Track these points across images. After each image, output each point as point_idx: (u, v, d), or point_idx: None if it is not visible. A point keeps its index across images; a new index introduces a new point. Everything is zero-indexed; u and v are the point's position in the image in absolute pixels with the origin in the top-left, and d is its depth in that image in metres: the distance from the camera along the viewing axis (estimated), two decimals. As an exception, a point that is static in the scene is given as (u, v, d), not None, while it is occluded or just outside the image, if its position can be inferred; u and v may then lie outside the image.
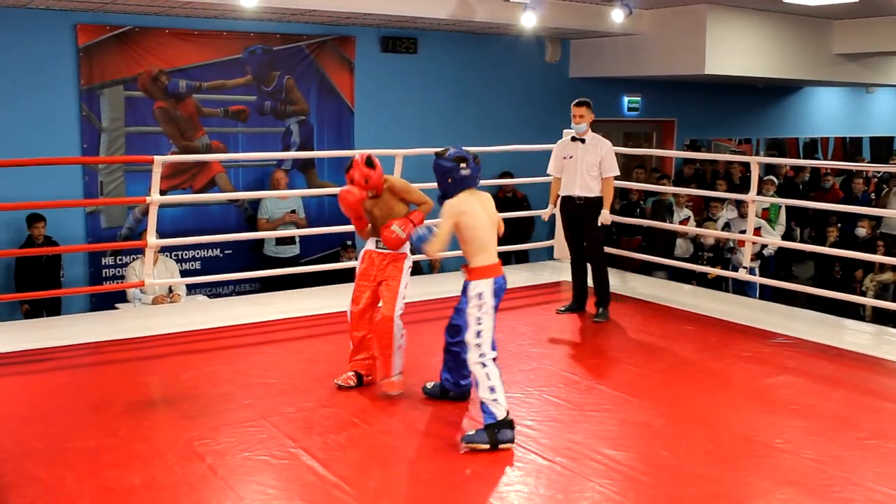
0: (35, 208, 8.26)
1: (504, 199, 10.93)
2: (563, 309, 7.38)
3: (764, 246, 9.81)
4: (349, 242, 9.70)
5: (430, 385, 5.22)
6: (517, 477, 4.21)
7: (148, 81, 9.40)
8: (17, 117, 8.75)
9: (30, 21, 8.73)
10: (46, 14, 8.80)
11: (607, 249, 8.44)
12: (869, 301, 8.66)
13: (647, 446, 4.61)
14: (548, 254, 9.43)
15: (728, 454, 4.48)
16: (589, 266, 7.29)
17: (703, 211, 11.39)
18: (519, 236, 10.24)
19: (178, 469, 4.20)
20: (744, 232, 8.57)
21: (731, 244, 10.12)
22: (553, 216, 7.78)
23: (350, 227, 9.55)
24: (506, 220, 9.54)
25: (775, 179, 12.07)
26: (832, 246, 9.91)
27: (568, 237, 7.38)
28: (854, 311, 8.85)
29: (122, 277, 9.04)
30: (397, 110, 10.92)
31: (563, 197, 7.25)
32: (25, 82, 8.79)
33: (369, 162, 5.30)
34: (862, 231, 10.47)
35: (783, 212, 10.87)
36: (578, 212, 7.15)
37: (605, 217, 7.08)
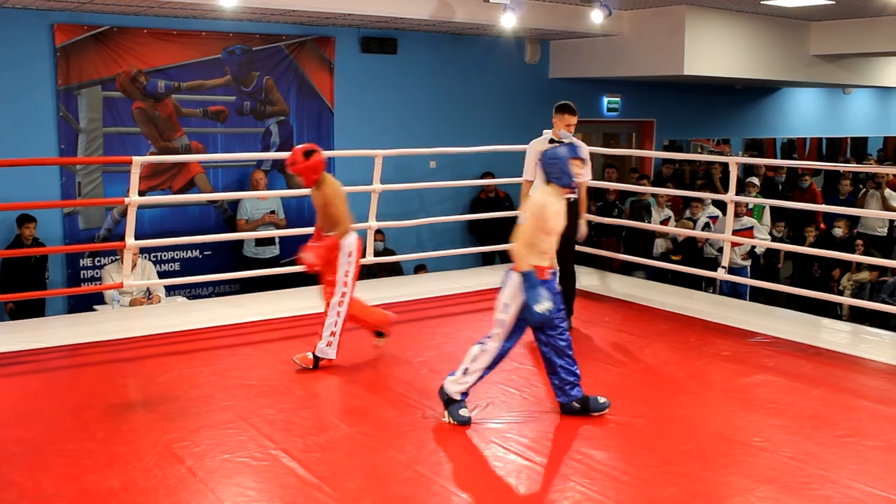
0: (10, 209, 8.19)
1: (487, 200, 10.97)
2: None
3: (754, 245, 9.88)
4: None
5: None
6: (498, 477, 4.21)
7: (126, 81, 9.35)
8: (-7, 117, 8.69)
9: (6, 20, 8.67)
10: (23, 13, 8.73)
11: (587, 249, 8.50)
12: (846, 300, 8.74)
13: (628, 445, 4.63)
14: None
15: (707, 453, 4.51)
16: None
17: (683, 211, 11.45)
18: (502, 236, 10.21)
19: (158, 471, 4.18)
20: (735, 232, 8.68)
21: (720, 244, 10.18)
22: None
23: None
24: (489, 221, 9.61)
25: (756, 181, 12.15)
26: (811, 246, 9.98)
27: None
28: (832, 311, 8.93)
29: (100, 279, 8.99)
30: (377, 111, 10.91)
31: None
32: (1, 82, 8.72)
33: (308, 153, 5.65)
34: (839, 231, 10.57)
35: (767, 212, 10.95)
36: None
37: (584, 231, 6.83)
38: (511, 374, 5.70)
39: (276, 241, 9.65)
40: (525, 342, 6.46)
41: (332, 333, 5.73)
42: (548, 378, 4.98)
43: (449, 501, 3.95)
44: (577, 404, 4.92)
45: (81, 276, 9.26)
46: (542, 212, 4.73)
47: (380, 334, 6.22)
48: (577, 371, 4.92)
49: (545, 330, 4.81)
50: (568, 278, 6.62)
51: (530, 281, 4.64)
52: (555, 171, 4.85)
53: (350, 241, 5.75)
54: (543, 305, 4.61)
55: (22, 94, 8.83)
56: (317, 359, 5.75)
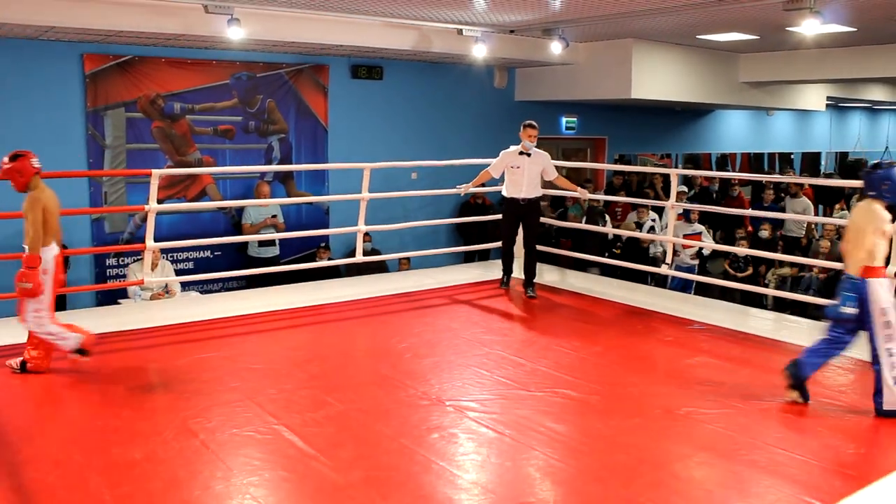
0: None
1: (474, 205, 11.04)
2: (501, 285, 7.92)
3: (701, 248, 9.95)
4: (323, 244, 9.65)
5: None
6: (472, 447, 4.21)
7: (146, 104, 9.27)
8: (30, 135, 8.56)
9: (42, 50, 8.57)
10: (57, 45, 8.64)
11: (549, 249, 8.58)
12: (771, 292, 8.80)
13: (584, 419, 4.64)
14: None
15: (652, 425, 4.54)
16: (522, 252, 7.79)
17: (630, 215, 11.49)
18: (485, 237, 10.21)
19: (175, 444, 4.16)
20: (686, 235, 8.77)
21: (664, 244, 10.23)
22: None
23: (324, 231, 9.59)
24: (475, 224, 9.64)
25: (685, 189, 12.25)
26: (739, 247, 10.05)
27: (506, 230, 7.82)
28: (758, 301, 8.99)
29: (124, 276, 8.92)
30: (366, 129, 10.87)
31: (508, 198, 7.67)
32: (38, 105, 8.63)
33: (15, 156, 5.08)
34: (764, 233, 10.66)
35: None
36: (521, 211, 7.62)
37: (586, 194, 7.88)
38: (483, 357, 5.70)
39: (277, 242, 9.60)
40: (493, 328, 6.49)
41: (52, 335, 5.15)
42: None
43: (429, 469, 3.94)
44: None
45: (107, 274, 9.18)
46: (880, 221, 4.63)
47: (81, 352, 5.31)
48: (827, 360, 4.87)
49: (835, 325, 4.75)
50: (530, 254, 7.67)
51: (855, 283, 4.62)
52: (887, 190, 4.66)
53: (46, 258, 5.09)
54: (850, 309, 4.61)
55: (55, 115, 8.74)
56: (23, 363, 5.21)
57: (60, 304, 8.21)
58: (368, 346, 6.11)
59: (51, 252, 5.16)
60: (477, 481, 3.84)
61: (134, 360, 5.60)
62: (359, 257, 8.09)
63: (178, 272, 9.08)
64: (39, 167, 5.13)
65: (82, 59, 8.82)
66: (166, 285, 8.06)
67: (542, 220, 8.37)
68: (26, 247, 5.04)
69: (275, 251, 9.63)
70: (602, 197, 10.80)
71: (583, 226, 10.16)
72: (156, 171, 6.87)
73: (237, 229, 9.76)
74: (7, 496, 3.62)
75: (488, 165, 7.84)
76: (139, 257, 8.17)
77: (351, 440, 4.28)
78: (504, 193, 7.72)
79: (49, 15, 7.47)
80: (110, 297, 8.47)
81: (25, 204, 5.04)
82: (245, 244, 9.60)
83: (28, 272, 5.00)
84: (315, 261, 9.13)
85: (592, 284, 8.26)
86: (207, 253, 9.73)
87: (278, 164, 10.21)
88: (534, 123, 7.53)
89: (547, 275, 8.39)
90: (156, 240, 7.03)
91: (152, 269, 7.51)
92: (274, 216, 9.62)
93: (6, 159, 5.06)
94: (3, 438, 4.24)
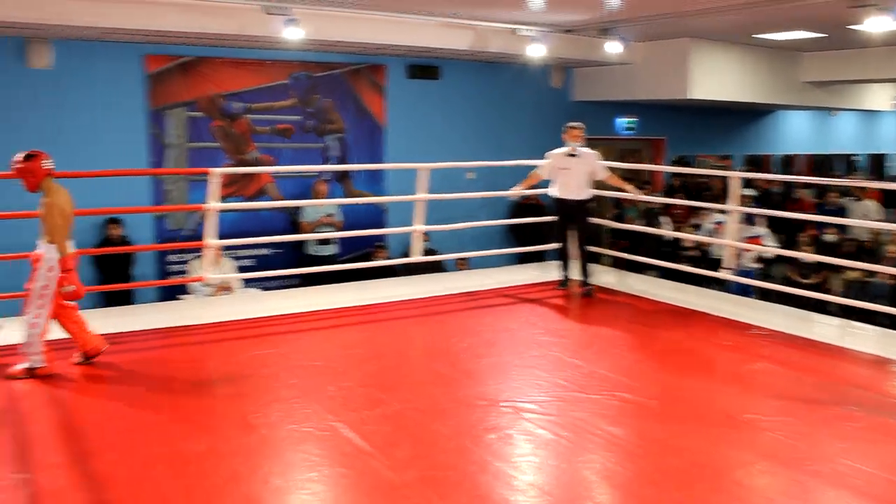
0: (112, 213, 8.34)
1: (528, 206, 10.98)
2: (559, 286, 7.89)
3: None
4: (380, 244, 9.72)
5: None
6: (529, 449, 4.21)
7: (207, 103, 9.45)
8: (95, 135, 8.83)
9: (105, 52, 8.81)
10: (120, 46, 8.87)
11: (605, 251, 8.54)
12: (836, 299, 8.59)
13: (642, 423, 4.60)
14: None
15: (712, 430, 4.47)
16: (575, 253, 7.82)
17: (689, 218, 11.34)
18: (539, 238, 10.14)
19: (236, 439, 4.23)
20: (747, 239, 8.62)
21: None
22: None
23: (380, 231, 9.65)
24: (528, 225, 9.61)
25: (750, 192, 11.99)
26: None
27: (559, 231, 7.84)
28: (821, 306, 8.77)
29: (185, 272, 9.09)
30: (422, 129, 10.93)
31: (557, 199, 7.71)
32: (101, 104, 8.88)
33: (29, 156, 5.06)
34: (830, 237, 10.42)
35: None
36: (571, 211, 7.65)
37: (638, 193, 8.00)
38: (540, 358, 5.69)
39: (335, 241, 9.70)
40: (551, 329, 6.47)
41: (31, 345, 5.06)
42: None
43: (486, 469, 3.95)
44: None
45: (169, 270, 9.38)
46: None
47: (87, 358, 5.38)
48: None
49: None
50: (585, 254, 7.75)
51: None
52: None
53: (50, 258, 5.04)
54: None
55: (118, 115, 8.97)
56: (30, 368, 5.11)
57: (124, 299, 8.44)
58: (425, 345, 6.14)
59: (56, 252, 5.09)
60: (534, 483, 3.84)
61: (194, 355, 5.71)
62: (415, 257, 8.13)
63: (239, 269, 9.23)
64: (51, 168, 5.11)
65: (144, 60, 9.04)
66: (226, 282, 8.19)
67: (598, 220, 8.34)
68: (50, 245, 5.04)
69: (333, 250, 9.74)
70: (658, 199, 10.65)
71: (639, 227, 10.05)
72: (215, 170, 6.97)
73: (296, 227, 9.89)
74: (77, 486, 3.73)
75: (538, 167, 7.88)
76: (200, 254, 8.33)
77: (407, 439, 4.31)
78: (554, 195, 7.75)
79: (113, 17, 7.68)
80: (171, 293, 8.65)
81: (42, 210, 5.06)
82: (304, 242, 9.72)
83: (67, 276, 5.05)
84: (371, 260, 9.21)
85: (650, 286, 8.16)
86: (267, 250, 9.88)
87: (335, 163, 10.32)
88: (577, 124, 7.57)
89: (604, 276, 8.32)
90: (217, 236, 7.15)
91: (213, 266, 7.64)
92: (330, 215, 9.73)
93: (20, 157, 5.06)
94: (71, 431, 4.37)
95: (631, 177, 12.13)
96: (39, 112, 8.59)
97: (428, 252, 9.29)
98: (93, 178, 8.12)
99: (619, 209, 11.57)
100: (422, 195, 8.01)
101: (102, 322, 6.34)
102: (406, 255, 8.93)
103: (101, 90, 8.87)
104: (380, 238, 9.76)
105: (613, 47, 9.64)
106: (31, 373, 5.09)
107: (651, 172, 13.48)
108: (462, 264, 9.77)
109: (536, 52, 9.58)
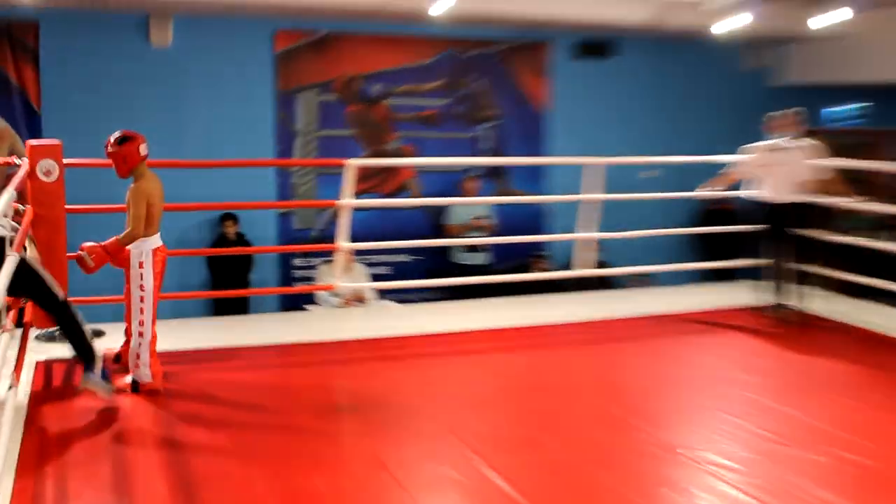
0: (230, 209, 8.61)
1: (715, 213, 10.40)
2: (765, 312, 7.54)
3: None
4: (541, 253, 9.58)
5: None
6: (717, 511, 3.96)
7: (342, 86, 9.63)
8: (216, 120, 9.17)
9: (231, 28, 9.14)
10: (247, 22, 9.17)
11: (826, 271, 8.20)
12: None
13: (862, 489, 4.25)
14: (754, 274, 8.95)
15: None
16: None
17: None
18: (728, 251, 9.69)
19: (363, 477, 4.19)
20: None
21: None
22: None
23: (539, 237, 9.51)
24: (716, 235, 9.28)
25: None
26: None
27: (773, 240, 7.53)
28: None
29: (312, 279, 9.26)
30: (592, 117, 10.73)
31: (761, 204, 7.51)
32: (225, 87, 9.21)
33: (122, 139, 5.05)
34: None
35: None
36: (778, 219, 7.44)
37: (859, 202, 7.93)
38: (735, 401, 5.39)
39: (487, 248, 9.64)
40: (752, 366, 6.13)
41: (138, 356, 5.15)
42: None
43: (668, 535, 3.73)
44: None
45: (294, 276, 9.59)
46: None
47: (117, 359, 5.49)
48: None
49: None
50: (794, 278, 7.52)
51: None
52: None
53: (138, 252, 5.11)
54: None
55: (243, 98, 9.29)
56: (135, 382, 5.20)
57: (240, 308, 8.67)
58: (593, 378, 5.96)
59: (152, 244, 5.19)
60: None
61: (320, 378, 5.75)
62: (579, 270, 7.94)
63: (375, 277, 9.31)
64: (147, 154, 5.16)
65: (273, 37, 9.30)
66: (359, 292, 8.28)
67: (810, 232, 7.89)
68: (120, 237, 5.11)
69: (484, 258, 9.69)
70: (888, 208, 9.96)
71: (866, 241, 9.41)
72: (350, 162, 6.99)
73: (440, 231, 9.91)
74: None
75: (735, 163, 7.65)
76: (330, 258, 8.46)
77: (566, 489, 4.14)
78: (761, 198, 7.48)
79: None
80: (295, 302, 8.82)
81: (129, 195, 5.11)
82: (450, 249, 9.71)
83: (99, 251, 5.06)
84: (530, 272, 9.09)
85: (876, 316, 7.64)
86: (406, 256, 9.94)
87: (488, 156, 10.28)
88: (790, 112, 7.38)
89: (823, 302, 7.85)
90: (350, 239, 7.20)
91: (344, 273, 7.72)
92: (481, 217, 9.68)
93: (113, 140, 5.09)
94: (177, 455, 4.45)
95: (856, 181, 11.47)
96: (158, 94, 9.00)
97: (600, 264, 9.04)
98: (210, 169, 8.41)
99: (829, 218, 10.87)
100: (589, 195, 7.82)
101: (212, 335, 6.52)
102: (569, 266, 8.74)
103: (224, 71, 9.20)
104: (540, 246, 9.63)
105: (838, 15, 9.13)
106: (135, 387, 5.23)
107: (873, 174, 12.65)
108: (640, 281, 9.50)
109: (728, 26, 9.20)
